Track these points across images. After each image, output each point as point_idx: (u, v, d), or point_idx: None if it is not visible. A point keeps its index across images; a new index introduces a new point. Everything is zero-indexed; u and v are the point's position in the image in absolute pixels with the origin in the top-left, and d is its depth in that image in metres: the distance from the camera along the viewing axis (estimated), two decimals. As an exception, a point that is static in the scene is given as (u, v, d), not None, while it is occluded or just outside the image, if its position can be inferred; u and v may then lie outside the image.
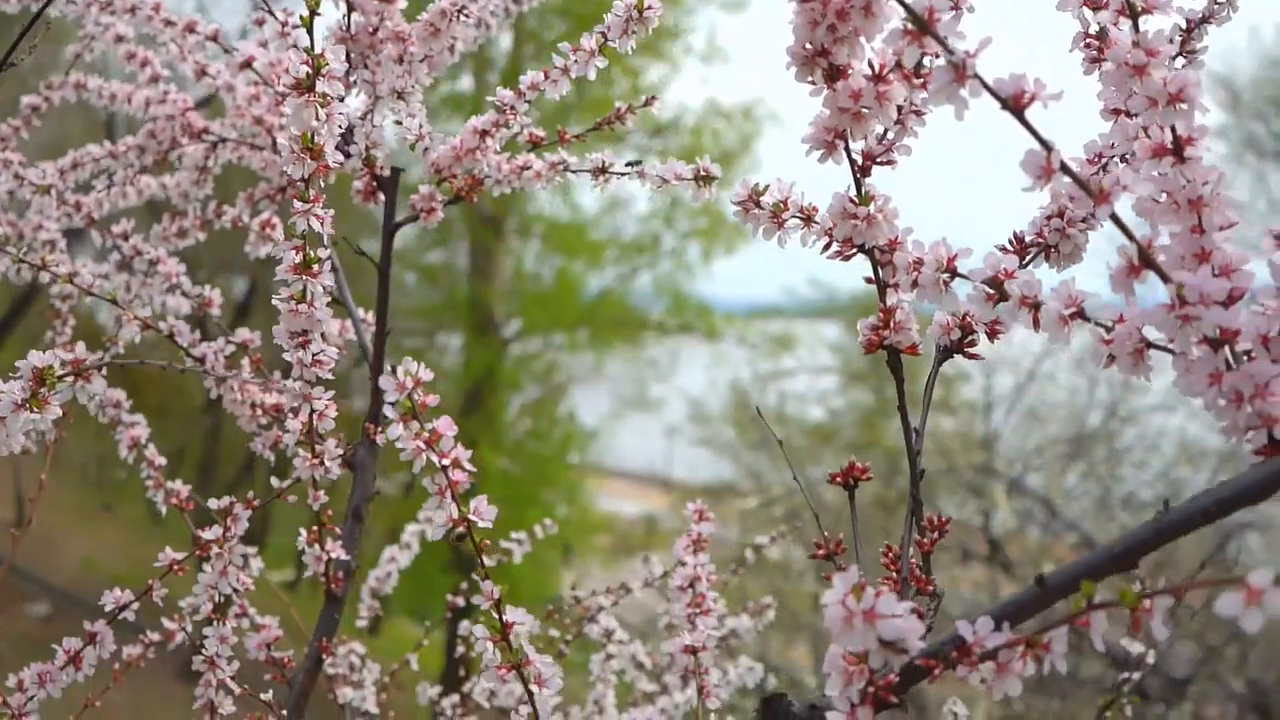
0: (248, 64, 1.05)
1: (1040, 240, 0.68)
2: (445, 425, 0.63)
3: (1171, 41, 0.72)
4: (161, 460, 1.11)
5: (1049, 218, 0.68)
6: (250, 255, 1.20)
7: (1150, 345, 0.54)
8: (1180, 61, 0.72)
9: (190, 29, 1.09)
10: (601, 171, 0.95)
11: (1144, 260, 0.52)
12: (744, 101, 10.38)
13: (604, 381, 12.31)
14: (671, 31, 10.93)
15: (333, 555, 0.96)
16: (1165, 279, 0.51)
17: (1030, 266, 0.69)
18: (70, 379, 0.65)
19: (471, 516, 0.63)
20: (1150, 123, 0.54)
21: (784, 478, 7.13)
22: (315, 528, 0.95)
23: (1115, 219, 0.51)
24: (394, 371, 0.61)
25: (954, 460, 7.00)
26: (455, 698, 1.45)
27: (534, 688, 0.64)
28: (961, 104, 0.51)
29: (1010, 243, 0.69)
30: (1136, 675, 1.12)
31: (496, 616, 0.64)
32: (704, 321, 11.59)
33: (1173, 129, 0.53)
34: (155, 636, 1.14)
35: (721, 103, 10.55)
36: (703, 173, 0.84)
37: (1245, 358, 0.52)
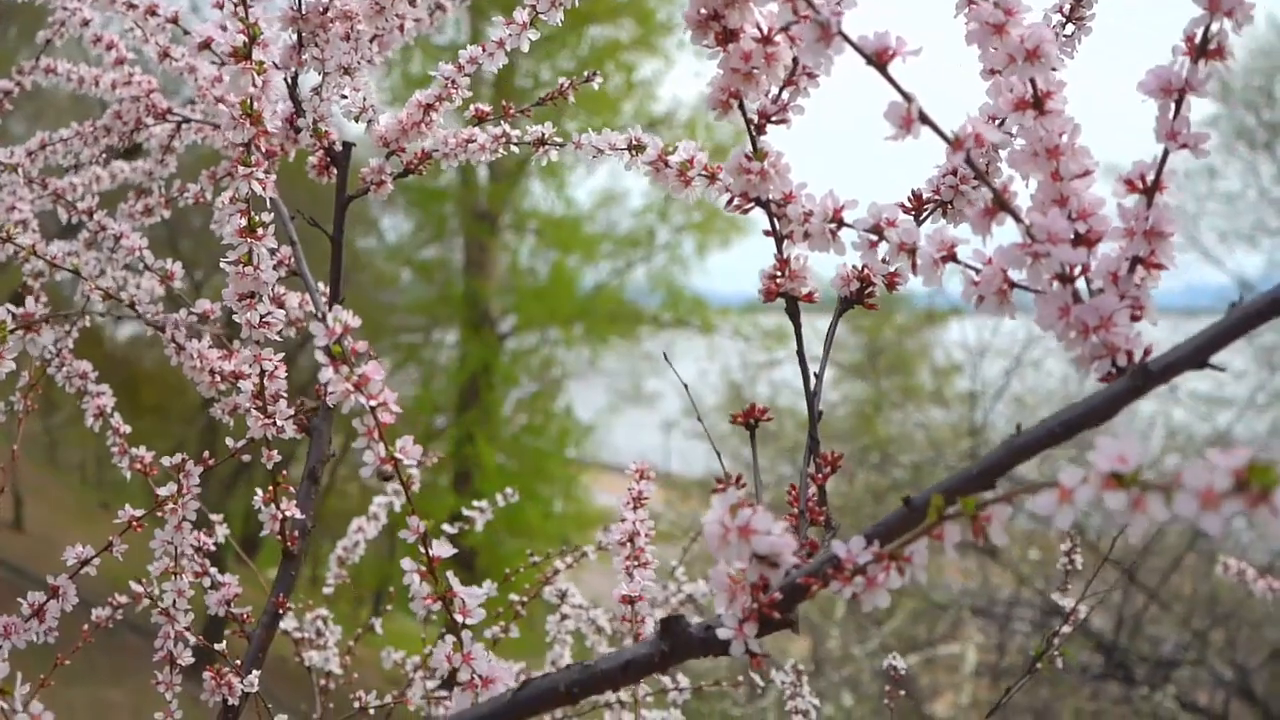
0: (206, 45, 1.09)
1: (936, 197, 0.72)
2: (373, 370, 0.67)
3: (1060, 10, 0.77)
4: (126, 429, 1.15)
5: (944, 175, 0.72)
6: (215, 233, 1.24)
7: (1014, 285, 0.58)
8: (1070, 28, 0.76)
9: (151, 11, 1.13)
10: (541, 143, 0.99)
11: (999, 203, 0.56)
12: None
13: (600, 376, 12.35)
14: (665, 26, 10.98)
15: (288, 514, 1.00)
16: (1018, 219, 0.56)
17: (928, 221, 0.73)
18: (20, 332, 0.69)
19: (398, 455, 0.67)
20: (1011, 77, 0.58)
21: (775, 467, 7.16)
22: (271, 487, 0.99)
23: (970, 164, 0.55)
24: (323, 319, 0.65)
25: (943, 450, 7.06)
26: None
27: (459, 617, 0.68)
28: (827, 61, 0.55)
29: (908, 199, 0.73)
30: (1067, 629, 1.16)
31: (423, 550, 0.69)
32: (699, 315, 11.64)
33: (1032, 83, 0.58)
34: (122, 599, 1.18)
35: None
36: (635, 142, 0.89)
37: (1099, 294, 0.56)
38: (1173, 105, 0.56)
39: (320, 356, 0.66)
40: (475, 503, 1.47)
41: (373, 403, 0.67)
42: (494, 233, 11.74)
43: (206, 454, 0.95)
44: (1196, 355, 0.51)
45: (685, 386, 0.97)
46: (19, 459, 1.25)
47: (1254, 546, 6.08)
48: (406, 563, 0.69)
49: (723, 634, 0.58)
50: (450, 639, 0.69)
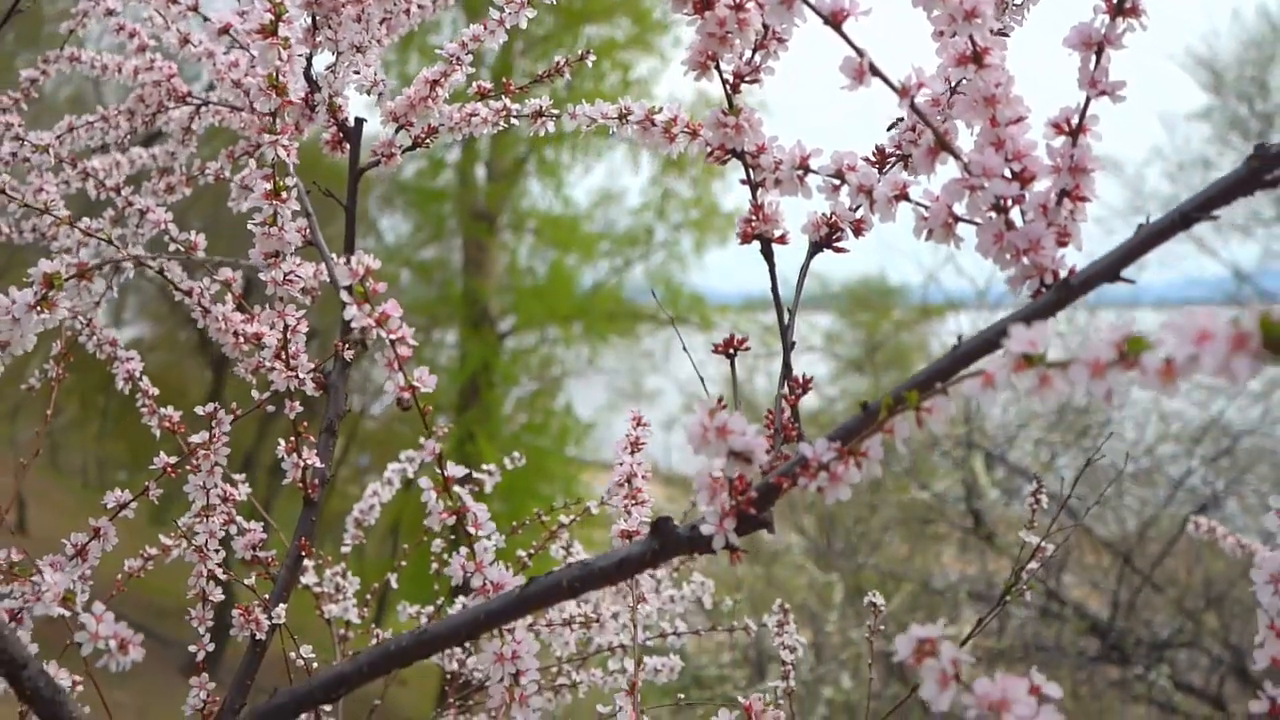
0: (225, 30, 1.17)
1: (898, 150, 0.80)
2: (392, 307, 0.75)
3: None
4: (155, 391, 1.23)
5: (905, 130, 0.80)
6: (232, 209, 1.32)
7: (957, 218, 0.66)
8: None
9: (172, 0, 1.21)
10: (539, 115, 1.07)
11: (941, 144, 0.64)
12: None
13: (599, 374, 12.43)
14: (660, 25, 11.06)
15: (309, 463, 1.08)
16: (956, 157, 0.63)
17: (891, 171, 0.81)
18: (75, 280, 0.77)
19: (415, 383, 0.75)
20: (954, 36, 0.66)
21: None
22: (292, 438, 1.07)
23: (915, 110, 0.63)
24: (347, 260, 0.73)
25: (939, 438, 7.13)
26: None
27: (471, 530, 0.76)
28: (790, 21, 0.63)
29: (873, 153, 0.81)
30: (1034, 565, 1.24)
31: (439, 470, 0.77)
32: (698, 312, 11.71)
33: (971, 40, 0.66)
34: (153, 551, 1.25)
35: (711, 94, 10.64)
36: (624, 111, 0.96)
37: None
38: (1093, 57, 0.64)
39: (345, 296, 0.74)
40: (485, 465, 1.54)
41: (392, 336, 0.75)
42: (492, 232, 11.82)
43: (235, 405, 1.03)
44: (1111, 270, 0.59)
45: (702, 378, 1.04)
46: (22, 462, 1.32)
47: (1247, 531, 6.15)
48: (424, 481, 0.77)
49: (705, 529, 0.66)
50: (464, 550, 0.76)
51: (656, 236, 12.27)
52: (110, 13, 1.31)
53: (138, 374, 1.23)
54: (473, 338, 11.37)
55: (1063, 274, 0.62)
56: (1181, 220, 0.58)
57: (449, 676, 1.52)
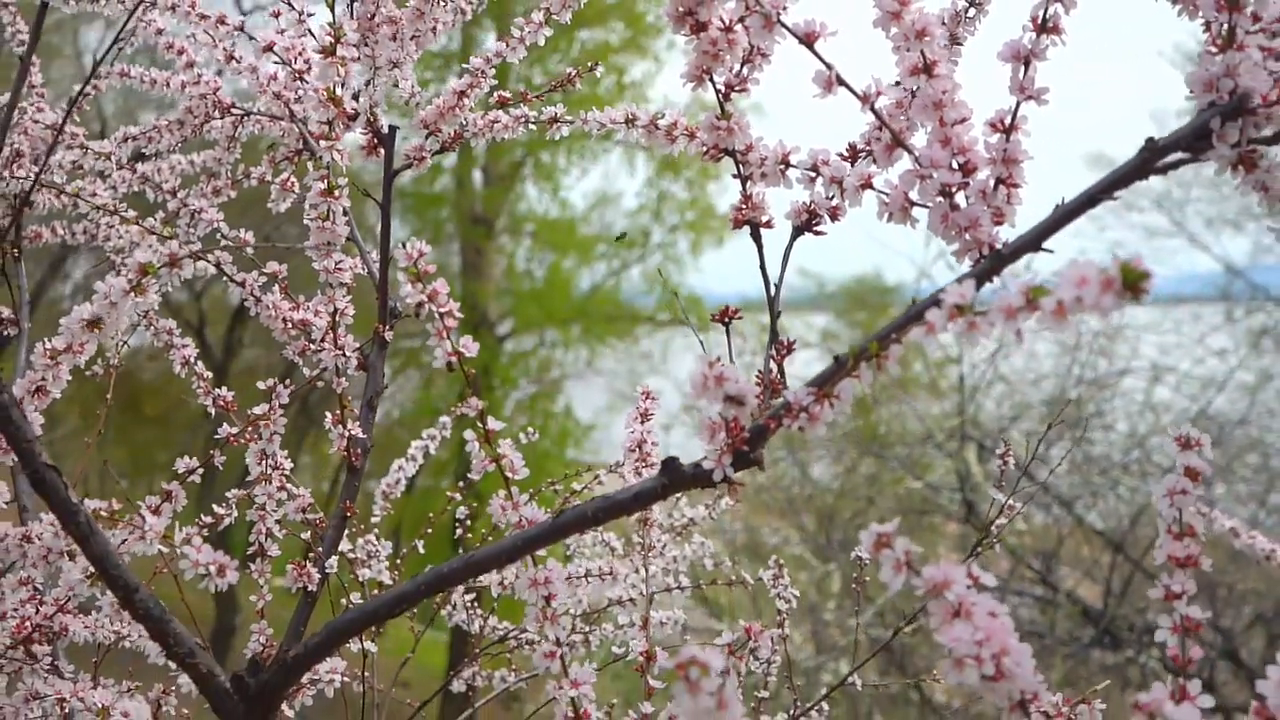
0: (269, 48, 1.30)
1: (867, 148, 0.94)
2: (441, 285, 0.88)
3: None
4: (209, 374, 1.36)
5: (871, 130, 0.94)
6: (273, 210, 1.45)
7: (912, 203, 0.80)
8: (971, 11, 0.97)
9: (221, 21, 1.34)
10: (554, 121, 1.21)
11: (896, 141, 0.77)
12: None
13: (598, 376, 12.55)
14: (654, 28, 11.21)
15: (353, 434, 1.22)
16: (910, 152, 0.77)
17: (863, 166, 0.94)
18: (167, 268, 0.90)
19: (460, 349, 0.89)
20: (905, 51, 0.79)
21: (771, 453, 7.36)
22: (339, 411, 1.21)
23: (875, 113, 0.76)
24: (404, 245, 0.86)
25: (934, 432, 7.28)
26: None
27: (509, 474, 0.90)
28: (771, 40, 0.76)
29: (846, 149, 0.94)
30: (1003, 520, 1.37)
31: (481, 425, 0.90)
32: (695, 313, 11.84)
33: (922, 54, 0.79)
34: (208, 519, 1.39)
35: (705, 98, 10.73)
36: (631, 116, 1.10)
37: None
38: (1022, 67, 0.77)
39: (401, 276, 0.88)
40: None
41: (441, 310, 0.88)
42: (490, 236, 11.94)
43: (288, 381, 1.16)
44: (1033, 242, 0.73)
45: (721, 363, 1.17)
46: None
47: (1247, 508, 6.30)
48: (468, 434, 0.90)
49: (706, 464, 0.80)
50: (502, 492, 0.90)
51: (653, 238, 12.41)
52: (160, 32, 1.44)
53: (192, 359, 1.37)
54: (474, 340, 11.48)
55: (998, 246, 0.76)
56: (1089, 201, 0.71)
57: (466, 638, 1.64)
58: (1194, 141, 0.69)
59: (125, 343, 1.59)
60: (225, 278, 1.25)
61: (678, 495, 1.63)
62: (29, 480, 0.81)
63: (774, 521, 8.00)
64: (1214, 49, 0.69)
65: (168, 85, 1.48)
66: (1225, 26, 0.69)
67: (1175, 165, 0.71)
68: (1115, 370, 7.05)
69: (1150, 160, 0.70)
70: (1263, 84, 0.68)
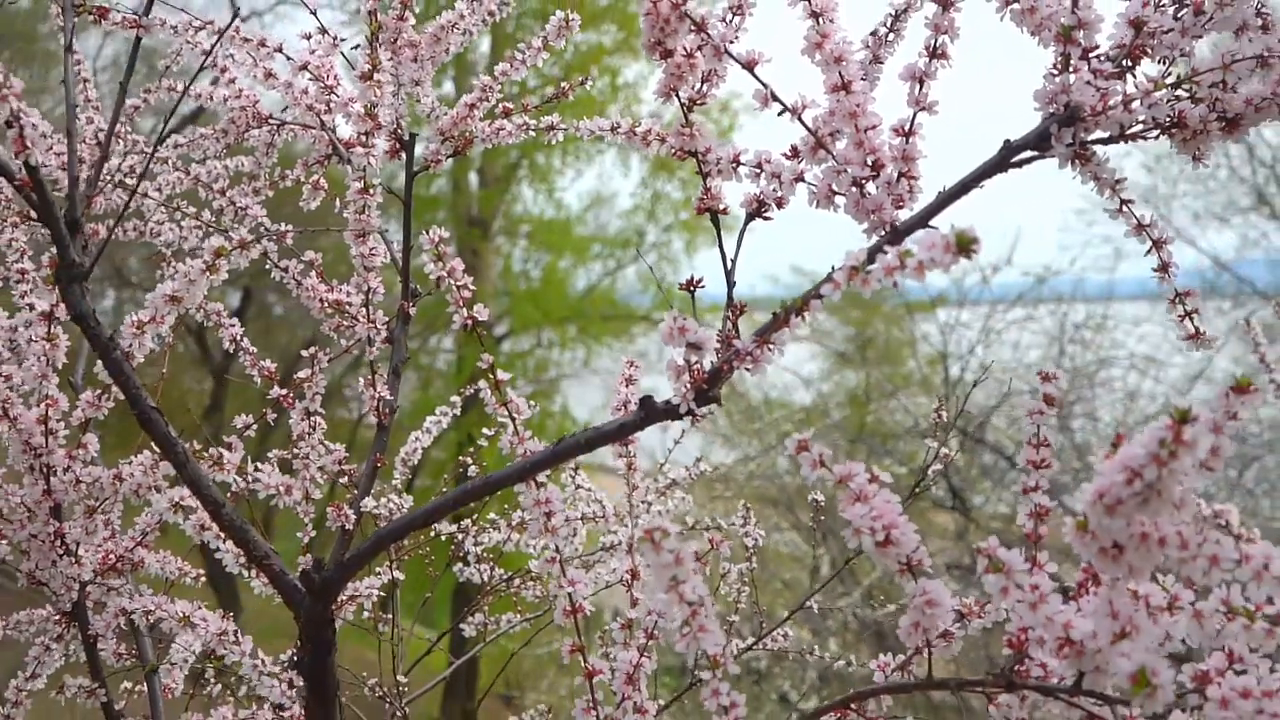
0: (304, 66, 1.52)
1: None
2: (458, 263, 1.10)
3: (884, 24, 1.20)
4: (254, 350, 1.57)
5: (805, 136, 1.15)
6: (304, 208, 1.67)
7: (834, 192, 1.01)
8: (891, 35, 1.19)
9: (262, 44, 1.56)
10: (552, 129, 1.42)
11: (819, 143, 0.99)
12: (721, 95, 10.82)
13: (595, 376, 12.75)
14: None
15: (382, 395, 1.43)
16: (829, 152, 0.99)
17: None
18: (237, 250, 1.12)
19: (474, 315, 1.10)
20: (829, 71, 1.01)
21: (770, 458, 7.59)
22: (370, 375, 1.42)
23: (802, 122, 0.98)
24: (426, 231, 1.08)
25: (919, 421, 7.50)
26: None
27: (515, 415, 1.11)
28: (722, 65, 0.98)
29: (789, 149, 1.15)
30: (938, 466, 1.58)
31: (492, 376, 1.11)
32: (689, 312, 12.02)
33: (840, 75, 1.01)
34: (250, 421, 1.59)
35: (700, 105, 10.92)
36: (615, 124, 1.31)
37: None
38: (917, 85, 0.99)
39: (425, 255, 1.09)
40: (484, 430, 1.90)
41: (458, 283, 1.10)
42: (486, 238, 12.14)
43: (327, 350, 1.38)
44: (921, 220, 0.94)
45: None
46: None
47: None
48: (482, 382, 1.12)
49: (674, 399, 1.01)
50: (510, 429, 1.11)
51: (648, 238, 12.61)
52: (206, 53, 1.65)
53: (239, 336, 1.58)
54: (469, 343, 11.67)
55: (897, 225, 0.97)
56: (962, 188, 0.93)
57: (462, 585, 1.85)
58: (1039, 142, 0.91)
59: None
60: (271, 264, 1.46)
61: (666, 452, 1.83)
62: (137, 419, 1.02)
63: (765, 511, 8.20)
64: (1054, 71, 0.91)
65: (210, 99, 1.69)
66: (1062, 54, 0.90)
67: (1028, 161, 0.92)
68: (1098, 359, 7.29)
69: (1008, 156, 0.92)
70: (1090, 99, 0.89)
